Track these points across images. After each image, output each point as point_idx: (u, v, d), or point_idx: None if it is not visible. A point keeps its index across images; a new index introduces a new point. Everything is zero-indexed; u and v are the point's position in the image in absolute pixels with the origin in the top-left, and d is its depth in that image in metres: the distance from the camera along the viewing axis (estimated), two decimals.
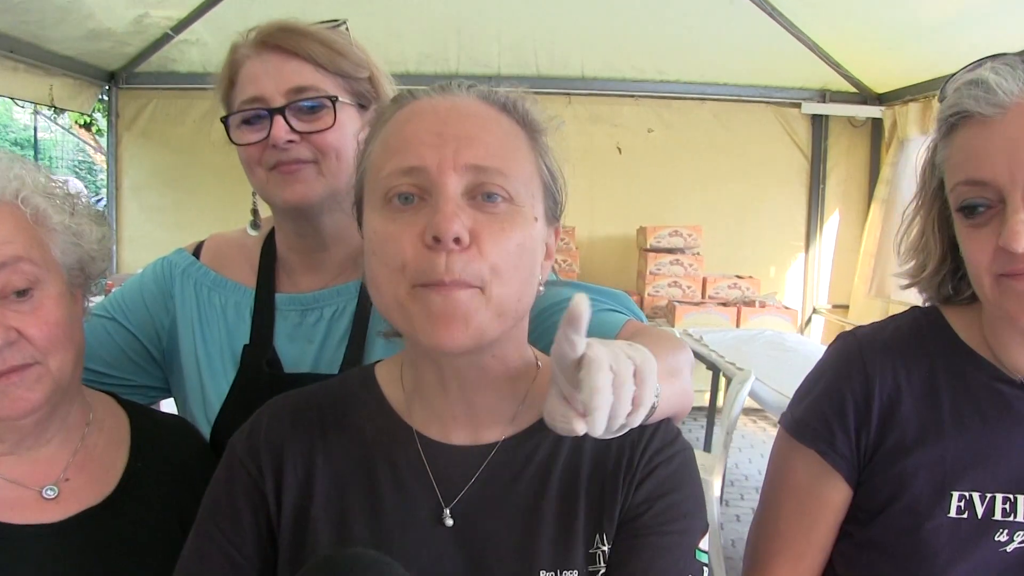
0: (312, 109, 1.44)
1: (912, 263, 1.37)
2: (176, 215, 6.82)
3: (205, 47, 6.40)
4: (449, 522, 1.10)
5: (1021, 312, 1.14)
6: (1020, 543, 1.22)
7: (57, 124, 15.13)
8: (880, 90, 6.76)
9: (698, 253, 6.57)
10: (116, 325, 1.58)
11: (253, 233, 1.65)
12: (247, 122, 1.45)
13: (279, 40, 1.45)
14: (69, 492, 1.27)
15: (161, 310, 1.60)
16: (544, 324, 1.27)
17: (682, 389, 1.20)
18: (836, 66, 6.55)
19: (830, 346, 1.41)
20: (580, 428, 0.94)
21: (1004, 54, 1.17)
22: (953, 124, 1.20)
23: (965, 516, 1.23)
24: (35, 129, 14.65)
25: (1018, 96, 1.13)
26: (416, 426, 1.14)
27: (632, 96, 6.96)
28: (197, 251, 1.66)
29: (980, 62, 1.19)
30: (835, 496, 1.33)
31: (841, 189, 7.06)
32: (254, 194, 1.56)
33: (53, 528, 1.23)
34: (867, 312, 6.44)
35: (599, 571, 1.08)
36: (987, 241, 1.14)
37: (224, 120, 1.48)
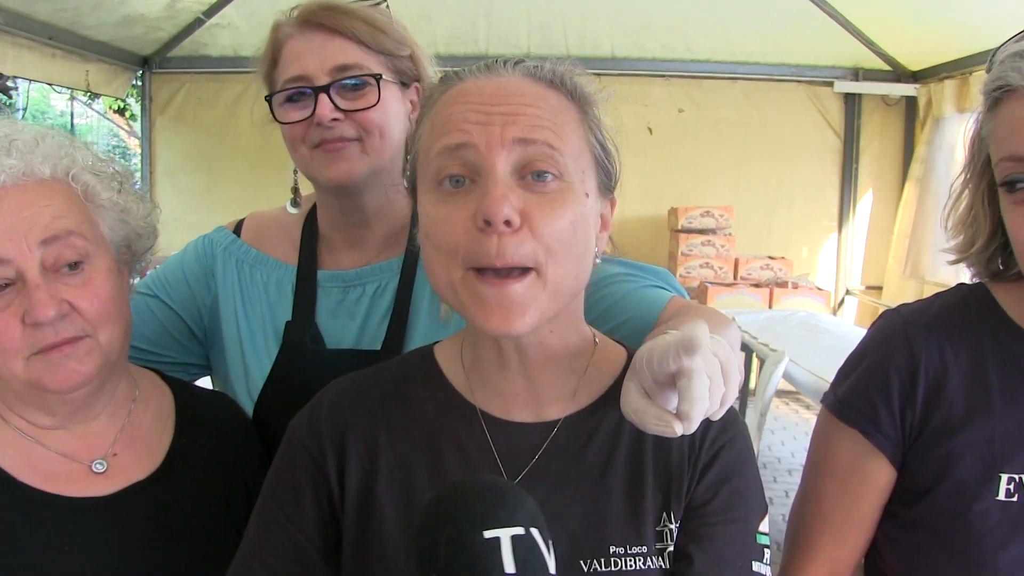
0: (356, 87, 1.45)
1: (960, 238, 1.33)
2: (209, 197, 6.88)
3: (236, 31, 6.45)
4: None
5: None
6: None
7: (92, 110, 15.31)
8: (914, 67, 6.70)
9: (730, 234, 6.56)
10: (158, 303, 1.60)
11: (293, 211, 1.66)
12: (291, 100, 1.46)
13: (322, 18, 1.45)
14: (117, 467, 1.29)
15: (203, 288, 1.63)
16: (591, 299, 1.26)
17: (734, 340, 1.21)
18: (869, 43, 6.51)
19: (873, 324, 1.38)
20: (679, 430, 0.96)
21: None
22: (997, 98, 1.16)
23: (1015, 499, 1.20)
24: (71, 115, 14.87)
25: None
26: (478, 404, 1.14)
27: (662, 76, 6.95)
28: (238, 229, 1.68)
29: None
30: (879, 476, 1.31)
31: (874, 168, 7.02)
32: (295, 172, 1.58)
33: (102, 501, 1.26)
34: (901, 293, 6.42)
35: (667, 548, 1.09)
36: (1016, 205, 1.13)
37: (268, 99, 1.50)
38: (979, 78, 5.65)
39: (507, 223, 0.97)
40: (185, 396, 1.45)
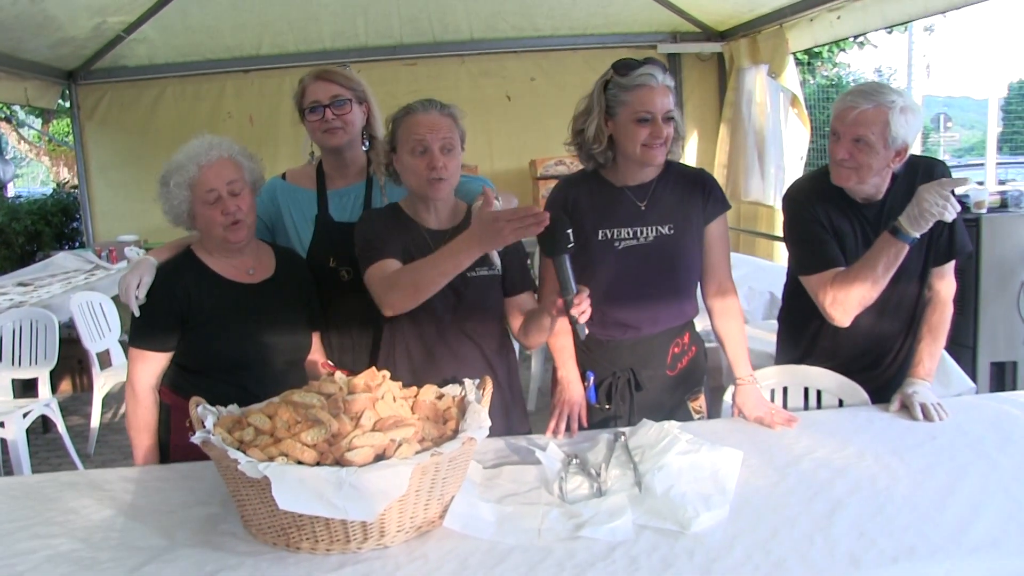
0: (341, 104, 2.78)
1: (588, 147, 2.60)
2: (137, 188, 7.84)
3: (152, 44, 7.51)
4: None
5: (652, 160, 2.52)
6: (622, 245, 2.58)
7: None
8: (720, 28, 8.09)
9: None
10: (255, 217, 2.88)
11: (311, 163, 2.99)
12: (312, 111, 2.78)
13: (324, 75, 2.80)
14: (257, 273, 2.62)
15: (271, 205, 2.92)
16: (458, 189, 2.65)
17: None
18: (681, 12, 7.90)
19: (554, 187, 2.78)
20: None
21: (654, 60, 2.52)
22: (638, 85, 2.49)
23: (603, 239, 2.60)
24: None
25: (662, 82, 2.46)
26: (418, 220, 2.52)
27: (515, 52, 8.19)
28: (284, 176, 2.99)
29: (646, 64, 2.52)
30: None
31: (697, 114, 8.36)
32: (311, 143, 2.92)
33: (254, 287, 2.60)
34: None
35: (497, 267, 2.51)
36: (643, 134, 2.50)
37: (301, 111, 2.82)
38: (765, 36, 7.22)
39: (442, 167, 2.39)
40: (276, 248, 2.76)
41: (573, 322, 2.20)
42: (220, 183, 2.46)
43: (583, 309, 2.18)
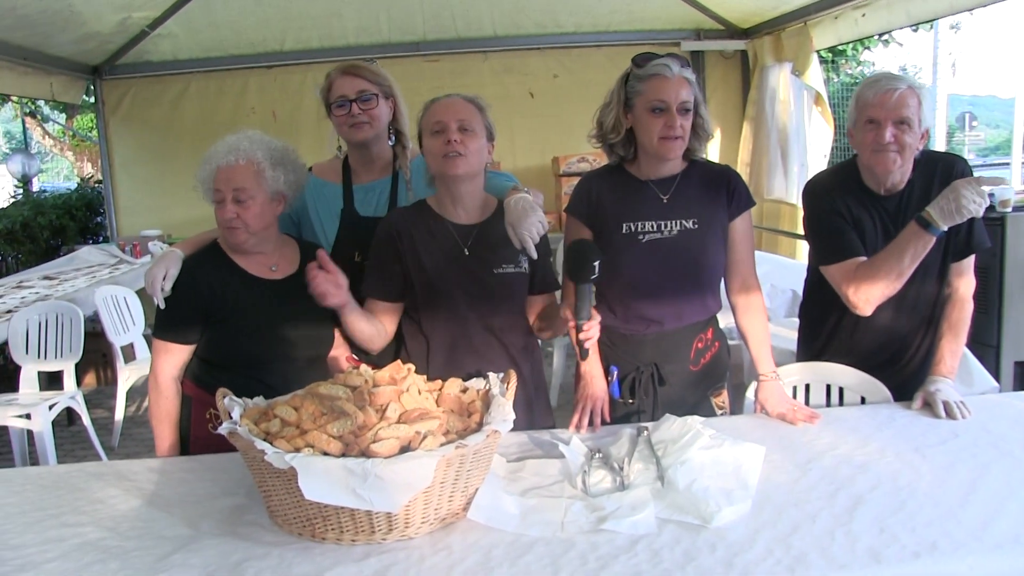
0: (367, 99, 2.80)
1: (607, 140, 2.66)
2: (160, 183, 7.99)
3: (176, 39, 7.57)
4: (467, 252, 2.52)
5: (667, 153, 2.53)
6: (646, 239, 2.58)
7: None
8: (744, 26, 8.07)
9: None
10: (283, 214, 2.89)
11: (339, 157, 3.00)
12: (339, 106, 2.80)
13: (351, 70, 2.81)
14: (280, 269, 2.64)
15: (298, 201, 2.89)
16: (485, 184, 2.67)
17: (540, 201, 2.63)
18: (705, 10, 7.89)
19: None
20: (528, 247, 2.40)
21: (674, 54, 2.56)
22: (652, 75, 2.52)
23: (626, 232, 2.61)
24: (23, 122, 16.09)
25: (677, 72, 2.48)
26: (444, 215, 2.56)
27: (538, 48, 8.21)
28: (310, 170, 2.97)
29: (663, 57, 2.55)
30: (586, 234, 2.65)
31: (720, 112, 8.29)
32: (339, 138, 2.93)
33: (278, 282, 2.61)
34: None
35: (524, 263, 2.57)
36: (658, 124, 2.51)
37: (327, 105, 2.84)
38: (789, 34, 7.19)
39: (457, 142, 2.40)
40: (302, 243, 2.77)
41: (579, 344, 2.30)
42: (227, 188, 2.48)
43: (590, 336, 2.27)
